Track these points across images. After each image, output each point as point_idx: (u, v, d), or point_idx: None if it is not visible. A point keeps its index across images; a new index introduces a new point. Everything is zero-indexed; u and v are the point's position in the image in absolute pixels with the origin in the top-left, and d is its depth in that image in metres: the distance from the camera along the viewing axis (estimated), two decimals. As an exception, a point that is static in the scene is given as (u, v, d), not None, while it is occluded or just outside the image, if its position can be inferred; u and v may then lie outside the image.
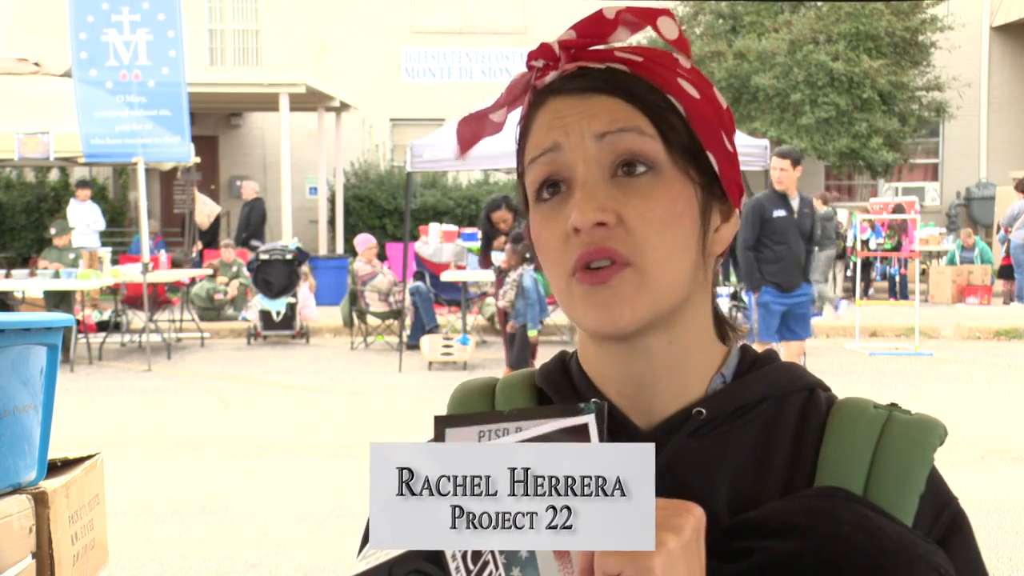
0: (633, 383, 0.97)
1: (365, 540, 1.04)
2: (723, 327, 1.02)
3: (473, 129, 1.01)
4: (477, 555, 0.78)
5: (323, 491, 6.50)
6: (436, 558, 0.74)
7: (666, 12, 0.96)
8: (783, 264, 7.91)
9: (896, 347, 12.14)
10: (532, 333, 8.98)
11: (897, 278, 16.36)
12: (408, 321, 12.39)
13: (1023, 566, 5.12)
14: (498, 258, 9.78)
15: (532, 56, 0.96)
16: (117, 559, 4.60)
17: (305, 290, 13.68)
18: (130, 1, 11.24)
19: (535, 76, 0.97)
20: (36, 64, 13.62)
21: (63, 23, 11.74)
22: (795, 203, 7.95)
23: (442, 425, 0.89)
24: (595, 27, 0.95)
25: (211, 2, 22.02)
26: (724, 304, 11.80)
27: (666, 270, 0.92)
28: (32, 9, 21.30)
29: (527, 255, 9.01)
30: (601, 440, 0.86)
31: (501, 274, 9.56)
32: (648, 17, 0.95)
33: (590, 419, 0.85)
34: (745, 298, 12.40)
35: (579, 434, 0.85)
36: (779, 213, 7.91)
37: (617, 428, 0.97)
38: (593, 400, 0.97)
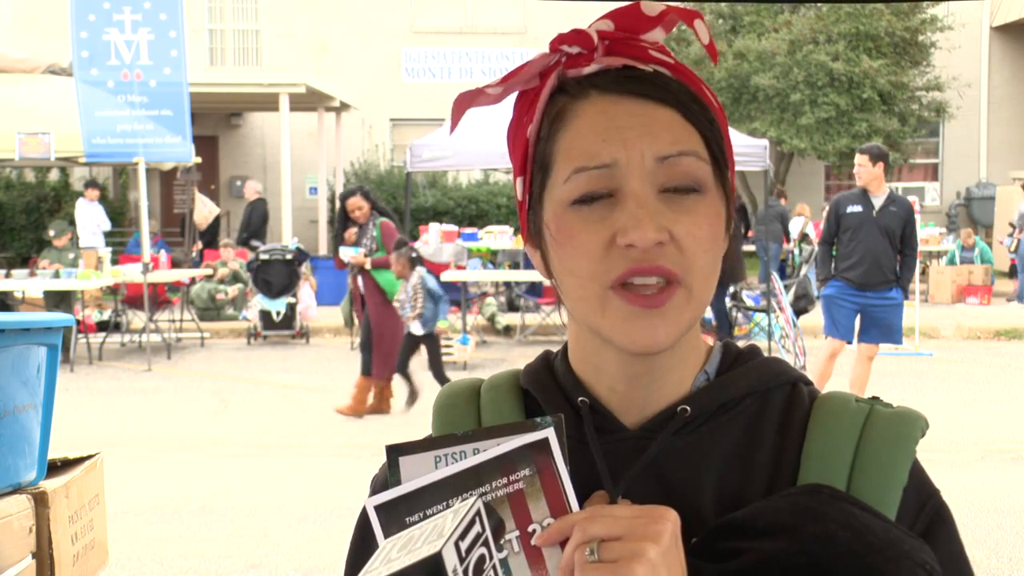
0: (628, 382, 0.97)
1: (357, 540, 1.04)
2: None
3: (466, 101, 0.98)
4: (479, 571, 0.79)
5: (323, 491, 6.50)
6: (438, 573, 0.75)
7: (699, 15, 0.95)
8: (856, 261, 7.72)
9: (896, 347, 12.13)
10: (444, 325, 8.64)
11: (897, 278, 16.34)
12: (408, 321, 12.38)
13: (1023, 566, 5.12)
14: (347, 253, 8.83)
15: (563, 40, 0.93)
16: (117, 559, 4.60)
17: (307, 290, 13.68)
18: (132, 0, 11.24)
19: (564, 61, 0.94)
20: (36, 63, 13.62)
21: (63, 23, 11.74)
22: (878, 200, 7.73)
23: (395, 454, 0.88)
24: (633, 21, 0.93)
25: (211, 2, 22.02)
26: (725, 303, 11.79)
27: (706, 287, 0.92)
28: (32, 9, 21.29)
29: (413, 256, 8.39)
30: (563, 452, 0.85)
31: (355, 272, 8.82)
32: (687, 18, 0.94)
33: (549, 432, 0.85)
34: (738, 298, 12.40)
35: (540, 449, 0.85)
36: (853, 209, 7.77)
37: (603, 425, 0.97)
38: (581, 400, 0.97)
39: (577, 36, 0.93)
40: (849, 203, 7.85)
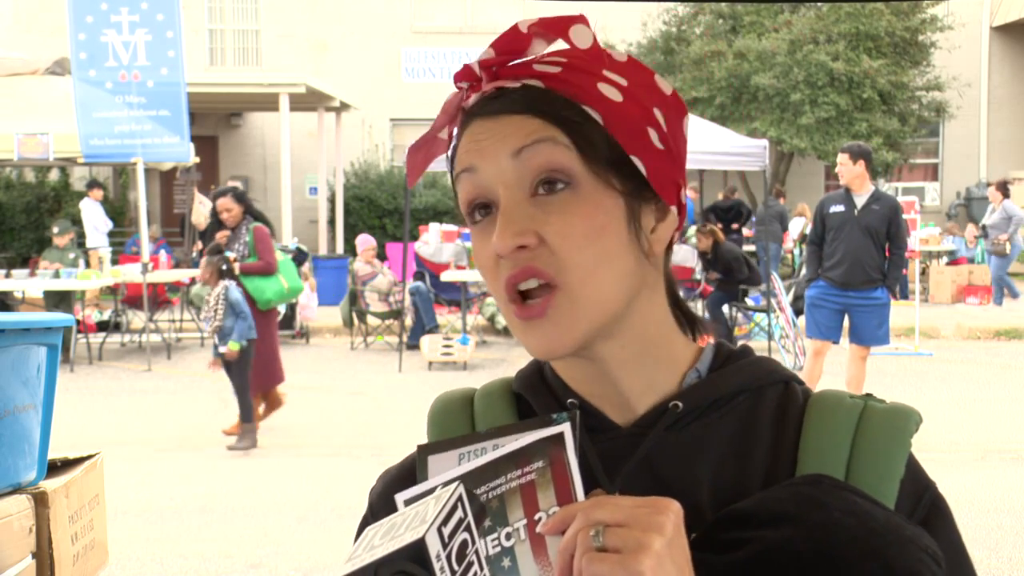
0: (597, 383, 0.98)
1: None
2: (693, 324, 1.03)
3: (425, 153, 1.03)
4: (462, 555, 0.79)
5: (323, 491, 6.51)
6: (421, 559, 0.75)
7: (579, 19, 0.95)
8: (838, 260, 7.70)
9: (896, 347, 12.13)
10: (234, 347, 7.52)
11: (897, 278, 16.34)
12: (408, 321, 12.39)
13: (1023, 566, 5.12)
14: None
15: (457, 78, 0.97)
16: (117, 559, 4.60)
17: (307, 290, 13.67)
18: (129, 1, 11.24)
19: (463, 98, 0.98)
20: (35, 64, 13.62)
21: (63, 23, 11.74)
22: (860, 199, 7.69)
23: (424, 453, 0.91)
24: (512, 43, 0.95)
25: (211, 2, 22.02)
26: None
27: (594, 285, 0.92)
28: (32, 9, 21.30)
29: (223, 267, 7.76)
30: (575, 445, 0.87)
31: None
32: (559, 29, 0.95)
33: (565, 427, 0.87)
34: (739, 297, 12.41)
35: (555, 442, 0.87)
36: (836, 209, 7.75)
37: (595, 425, 0.98)
38: (570, 401, 1.00)
39: (464, 71, 0.96)
40: (832, 203, 7.86)
